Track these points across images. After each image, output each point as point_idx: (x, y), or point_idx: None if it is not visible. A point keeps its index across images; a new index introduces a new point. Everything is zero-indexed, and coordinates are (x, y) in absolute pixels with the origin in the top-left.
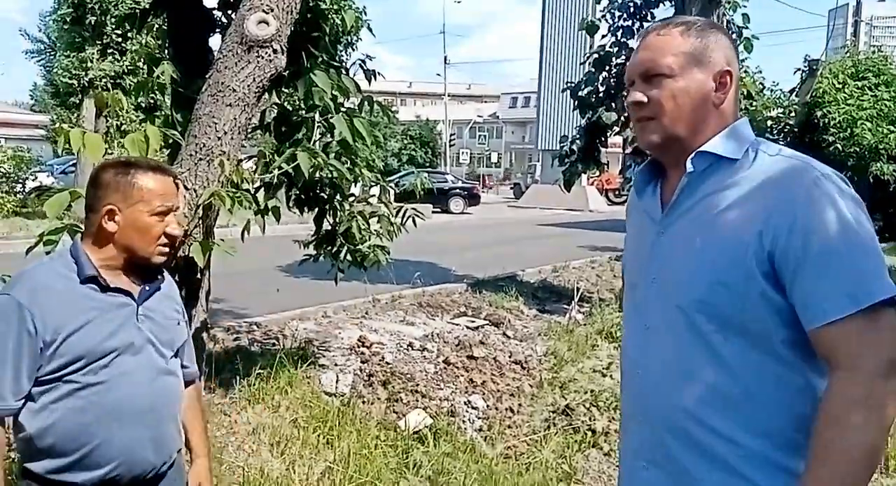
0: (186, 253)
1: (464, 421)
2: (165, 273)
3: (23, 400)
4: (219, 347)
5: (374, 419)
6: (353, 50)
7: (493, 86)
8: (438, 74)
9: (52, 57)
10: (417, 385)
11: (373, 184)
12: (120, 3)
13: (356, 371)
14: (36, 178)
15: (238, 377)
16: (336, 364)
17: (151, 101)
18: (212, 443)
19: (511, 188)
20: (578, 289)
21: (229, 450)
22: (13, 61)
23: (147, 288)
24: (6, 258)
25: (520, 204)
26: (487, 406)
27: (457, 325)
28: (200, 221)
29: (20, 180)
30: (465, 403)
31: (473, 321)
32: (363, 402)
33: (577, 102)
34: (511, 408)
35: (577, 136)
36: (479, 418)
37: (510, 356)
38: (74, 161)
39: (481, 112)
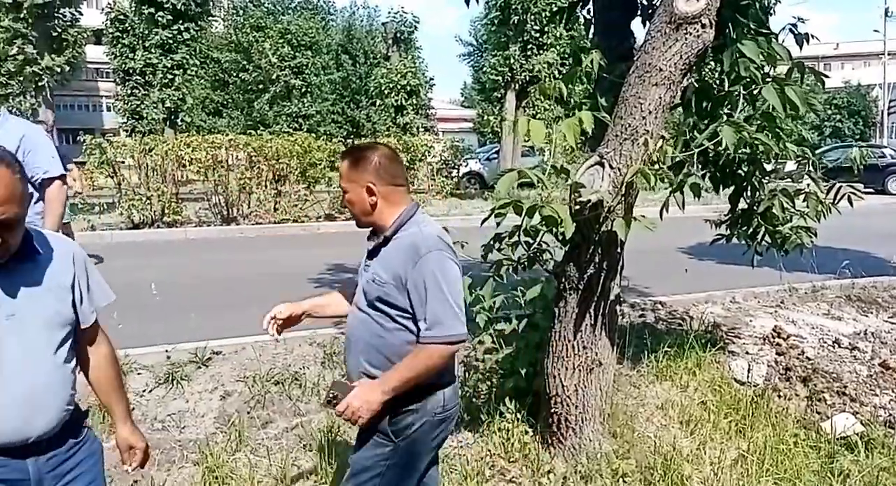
0: (609, 228)
1: None
2: (397, 243)
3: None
4: (625, 321)
5: (792, 415)
6: (772, 14)
7: None
8: (876, 30)
9: (479, 57)
10: (845, 387)
11: (799, 159)
12: (539, 0)
13: (770, 363)
14: (467, 164)
15: (646, 353)
16: (747, 353)
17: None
18: (623, 411)
19: None
20: None
21: (639, 420)
22: (449, 64)
23: (371, 247)
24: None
25: None
26: None
27: None
28: (623, 198)
29: (455, 166)
30: None
31: None
32: (779, 396)
33: None
34: None
35: None
36: None
37: None
38: (497, 149)
39: None
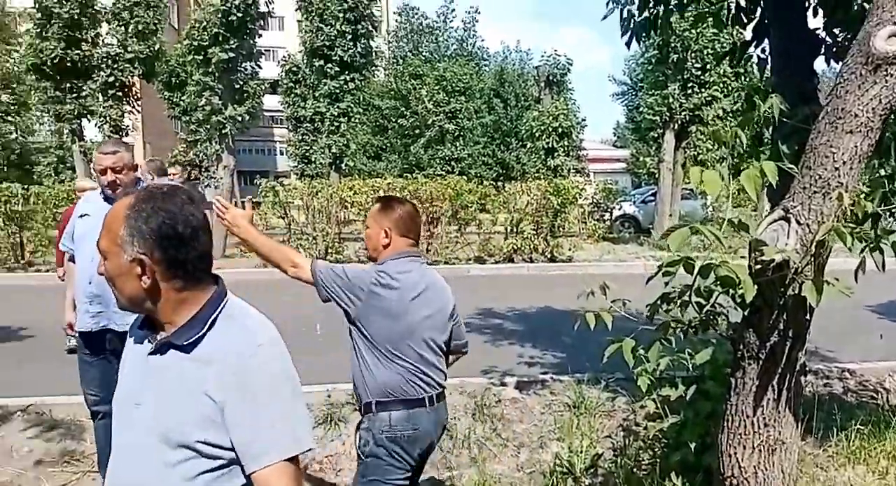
0: (797, 292)
1: None
2: None
3: None
4: (808, 391)
5: None
6: None
7: None
8: None
9: (634, 97)
10: None
11: None
12: (700, 37)
13: None
14: (620, 207)
15: (834, 430)
16: None
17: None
18: None
19: None
20: None
21: None
22: (601, 103)
23: None
24: (599, 279)
25: None
26: None
27: None
28: (812, 259)
29: (608, 209)
30: None
31: None
32: None
33: None
34: None
35: None
36: None
37: None
38: (653, 191)
39: None
